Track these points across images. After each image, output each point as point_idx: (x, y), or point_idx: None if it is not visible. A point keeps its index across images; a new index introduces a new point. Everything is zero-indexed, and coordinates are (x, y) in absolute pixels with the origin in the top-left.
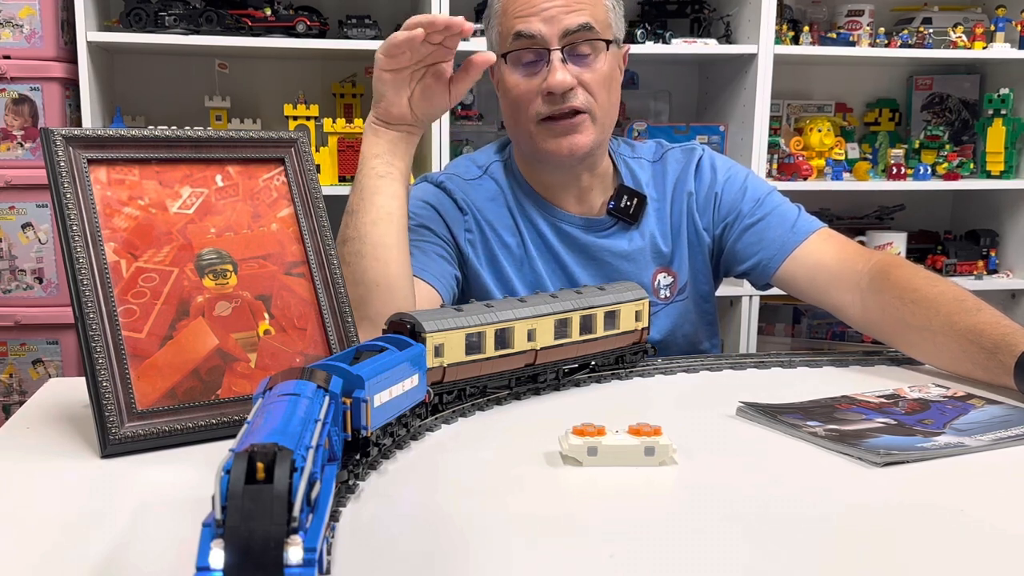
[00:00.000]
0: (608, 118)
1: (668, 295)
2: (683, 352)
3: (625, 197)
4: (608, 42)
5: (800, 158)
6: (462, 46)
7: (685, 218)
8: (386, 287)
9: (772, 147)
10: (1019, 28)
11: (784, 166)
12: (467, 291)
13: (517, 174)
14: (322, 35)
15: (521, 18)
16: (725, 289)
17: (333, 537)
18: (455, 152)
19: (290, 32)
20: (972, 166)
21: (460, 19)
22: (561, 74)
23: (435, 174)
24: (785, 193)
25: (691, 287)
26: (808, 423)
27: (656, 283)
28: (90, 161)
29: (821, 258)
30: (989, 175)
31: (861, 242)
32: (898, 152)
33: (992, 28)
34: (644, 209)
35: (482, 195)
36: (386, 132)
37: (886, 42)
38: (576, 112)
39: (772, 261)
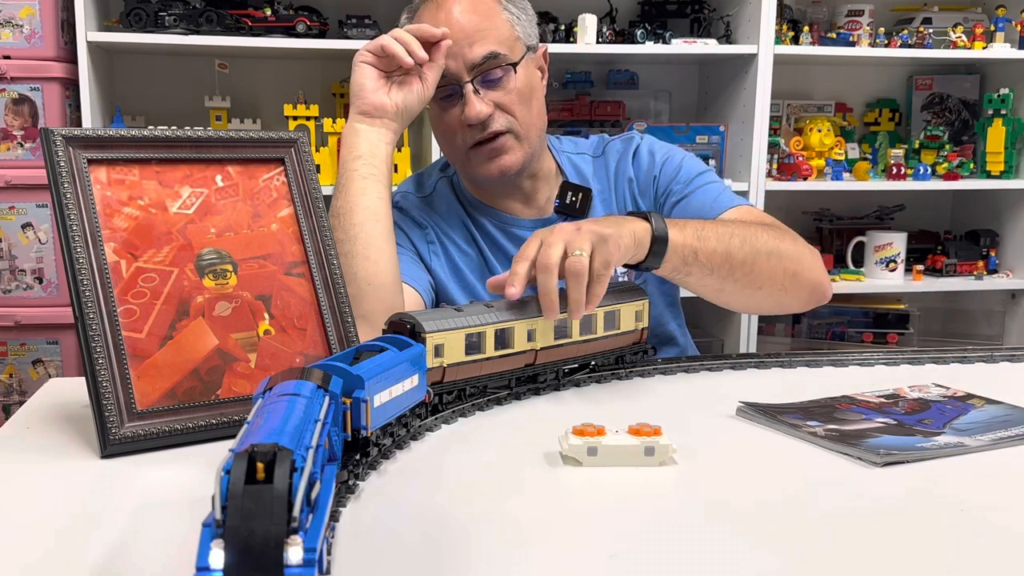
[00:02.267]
0: (534, 129)
1: (624, 278)
2: (652, 335)
3: (569, 193)
4: (515, 64)
5: (800, 158)
6: None
7: (629, 203)
8: (378, 285)
9: (772, 147)
10: (1019, 28)
11: (784, 166)
12: (435, 299)
13: (463, 189)
14: (322, 35)
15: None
16: None
17: (333, 537)
18: None
19: (290, 32)
20: (972, 166)
21: (444, 30)
22: (477, 105)
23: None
24: (785, 193)
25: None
26: (808, 423)
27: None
28: (90, 161)
29: None
30: (989, 175)
31: (861, 242)
32: (898, 152)
33: (992, 28)
34: (591, 202)
35: (436, 209)
36: (367, 130)
37: (886, 42)
38: (499, 135)
39: None
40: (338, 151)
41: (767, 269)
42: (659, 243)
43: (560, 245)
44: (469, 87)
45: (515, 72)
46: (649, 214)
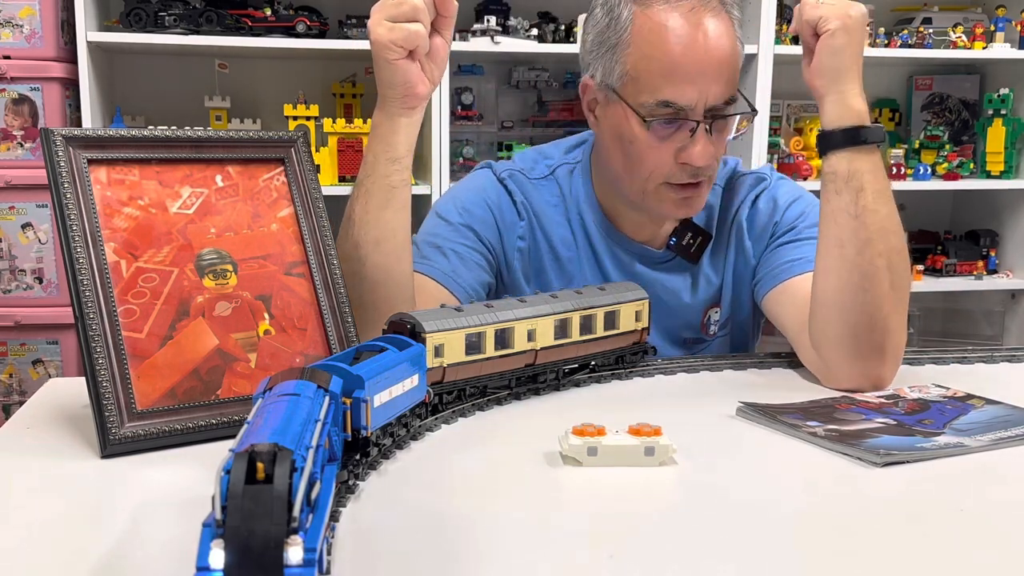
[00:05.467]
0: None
1: (715, 331)
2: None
3: (689, 235)
4: (754, 113)
5: (800, 158)
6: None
7: (734, 251)
8: (387, 310)
9: (772, 147)
10: (1019, 28)
11: (784, 166)
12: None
13: (585, 183)
14: (322, 35)
15: (671, 84)
16: None
17: (333, 537)
18: (455, 153)
19: (290, 32)
20: (972, 166)
21: None
22: (708, 148)
23: (500, 164)
24: None
25: (732, 321)
26: (808, 423)
27: (707, 319)
28: (90, 161)
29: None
30: (989, 175)
31: None
32: (898, 152)
33: (992, 28)
34: (707, 248)
35: (543, 199)
36: (408, 124)
37: (886, 42)
38: (702, 181)
39: (761, 286)
40: (338, 151)
41: (887, 269)
42: (857, 136)
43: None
44: (702, 127)
45: (749, 122)
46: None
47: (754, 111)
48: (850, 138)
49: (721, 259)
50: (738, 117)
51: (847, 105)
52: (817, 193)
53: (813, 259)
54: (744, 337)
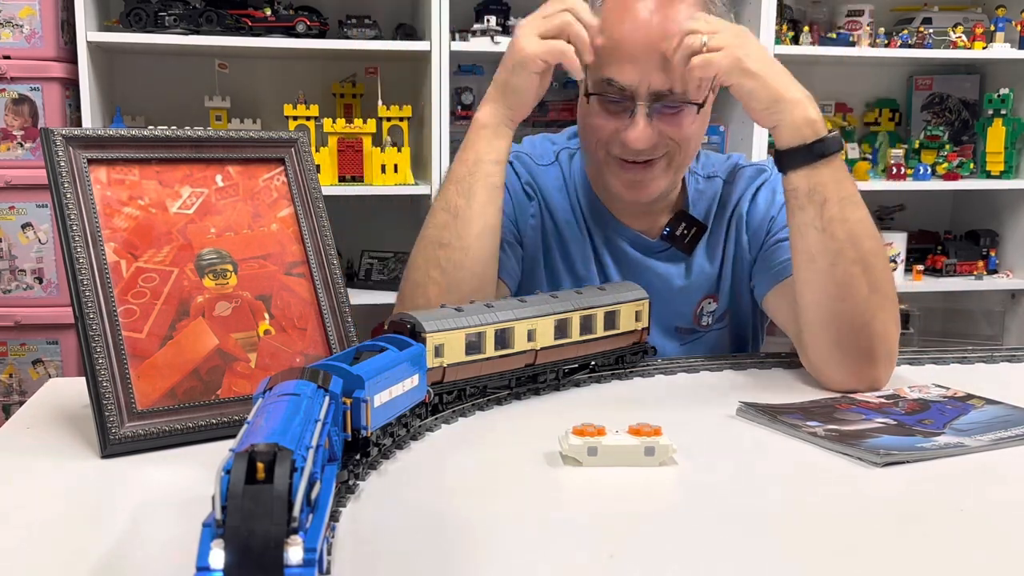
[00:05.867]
0: (687, 160)
1: (709, 322)
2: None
3: (683, 225)
4: (700, 106)
5: None
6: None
7: (732, 244)
8: (481, 297)
9: (772, 147)
10: (1019, 28)
11: None
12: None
13: (582, 168)
14: (322, 35)
15: (616, 63)
16: None
17: (333, 537)
18: (455, 152)
19: (290, 32)
20: (972, 166)
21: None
22: (645, 133)
23: None
24: None
25: (731, 315)
26: (808, 423)
27: (700, 310)
28: (90, 161)
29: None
30: (989, 175)
31: None
32: (898, 152)
33: (992, 28)
34: (701, 239)
35: (550, 183)
36: (509, 133)
37: (886, 42)
38: (651, 160)
39: (761, 286)
40: (338, 151)
41: (861, 278)
42: (811, 151)
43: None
44: (642, 109)
45: (697, 112)
46: (830, 130)
47: (699, 104)
48: (805, 156)
49: (718, 250)
50: (696, 110)
51: (796, 125)
52: None
53: None
54: (745, 334)
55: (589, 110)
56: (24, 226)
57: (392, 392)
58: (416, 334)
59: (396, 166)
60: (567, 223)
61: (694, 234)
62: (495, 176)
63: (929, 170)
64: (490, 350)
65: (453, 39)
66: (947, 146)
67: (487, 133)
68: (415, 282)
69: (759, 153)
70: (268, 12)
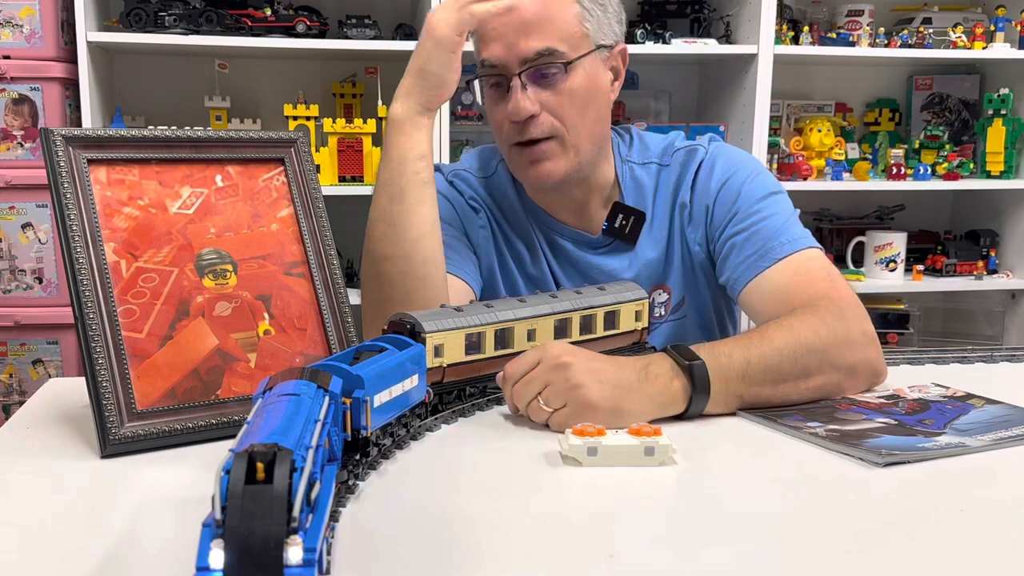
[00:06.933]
0: (586, 136)
1: (662, 313)
2: None
3: (620, 216)
4: (568, 63)
5: (800, 158)
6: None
7: (677, 233)
8: (433, 301)
9: (772, 147)
10: (1019, 28)
11: (784, 166)
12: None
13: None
14: (322, 35)
15: (484, 43)
16: None
17: (333, 537)
18: (455, 152)
19: (290, 32)
20: (972, 166)
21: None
22: (522, 102)
23: (446, 167)
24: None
25: (688, 304)
26: (809, 424)
27: (651, 301)
28: (90, 161)
29: (773, 292)
30: (989, 175)
31: (860, 242)
32: (898, 152)
33: (992, 28)
34: (642, 227)
35: (494, 191)
36: (429, 123)
37: (886, 42)
38: (540, 140)
39: (736, 283)
40: (338, 151)
41: (816, 387)
42: (698, 400)
43: (537, 386)
44: (516, 81)
45: (565, 71)
46: (695, 361)
47: (569, 63)
48: (703, 403)
49: (662, 238)
50: (564, 69)
51: (663, 405)
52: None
53: (763, 252)
54: (709, 324)
55: (488, 107)
56: (24, 226)
57: (392, 392)
58: (416, 334)
59: None
60: (515, 226)
61: (633, 223)
62: (423, 172)
63: (929, 170)
64: (490, 350)
65: None
66: (947, 146)
67: (406, 128)
68: (372, 301)
69: (759, 155)
70: (268, 12)
